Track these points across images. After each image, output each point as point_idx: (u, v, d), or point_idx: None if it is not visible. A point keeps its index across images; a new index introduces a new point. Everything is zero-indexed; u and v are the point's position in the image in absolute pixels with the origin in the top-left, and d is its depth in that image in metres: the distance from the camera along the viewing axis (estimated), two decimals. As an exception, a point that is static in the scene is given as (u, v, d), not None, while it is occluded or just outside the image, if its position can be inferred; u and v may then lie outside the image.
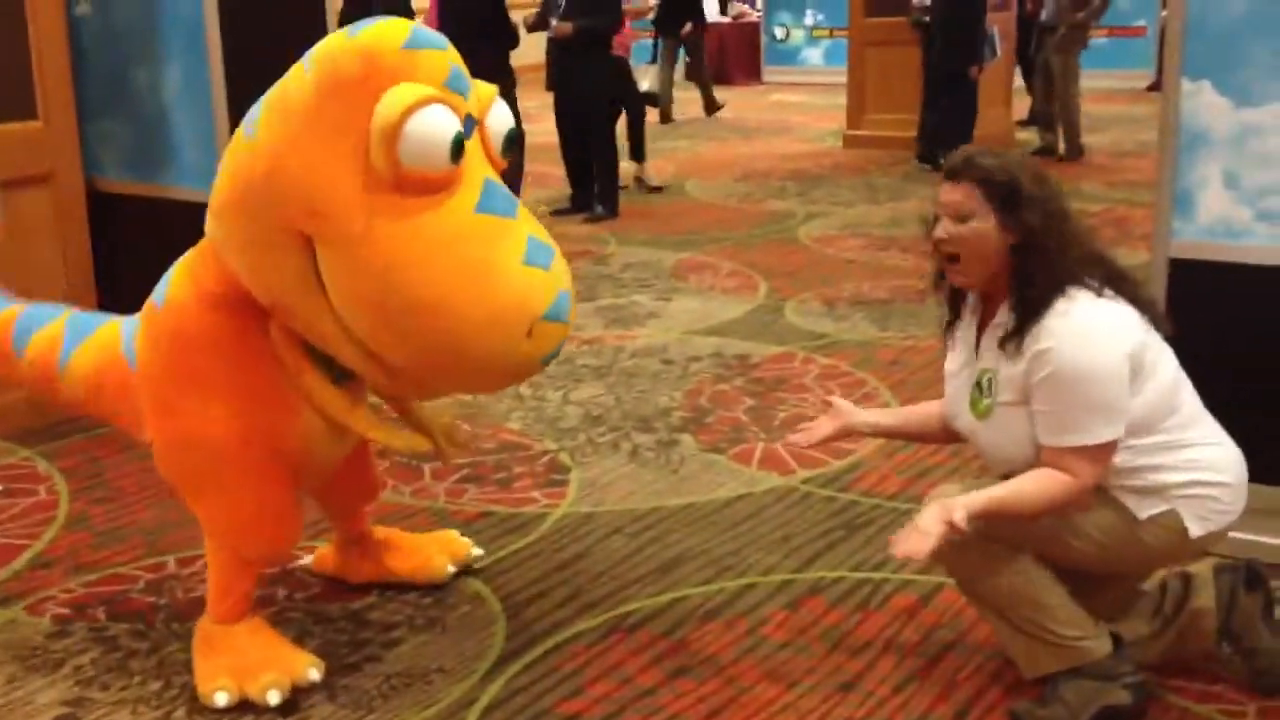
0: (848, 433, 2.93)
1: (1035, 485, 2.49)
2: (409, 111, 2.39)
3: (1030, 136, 10.59)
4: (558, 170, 8.68)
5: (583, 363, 5.18)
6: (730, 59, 16.95)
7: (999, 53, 9.76)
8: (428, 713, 2.76)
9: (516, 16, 7.87)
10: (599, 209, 8.19)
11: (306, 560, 3.41)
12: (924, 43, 9.93)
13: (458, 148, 2.44)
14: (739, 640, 3.03)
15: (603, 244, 7.51)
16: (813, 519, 3.69)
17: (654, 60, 12.99)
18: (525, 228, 2.53)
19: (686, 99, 13.78)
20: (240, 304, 2.70)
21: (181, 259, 2.86)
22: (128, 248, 4.67)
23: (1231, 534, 2.69)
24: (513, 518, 3.73)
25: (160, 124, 4.54)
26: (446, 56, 2.53)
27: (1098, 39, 11.67)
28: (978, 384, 2.64)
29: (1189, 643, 2.77)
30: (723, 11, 17.56)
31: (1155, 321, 2.57)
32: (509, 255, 2.46)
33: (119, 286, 4.63)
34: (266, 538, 2.85)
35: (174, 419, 2.80)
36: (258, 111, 2.61)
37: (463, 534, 3.53)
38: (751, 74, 17.28)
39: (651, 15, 12.62)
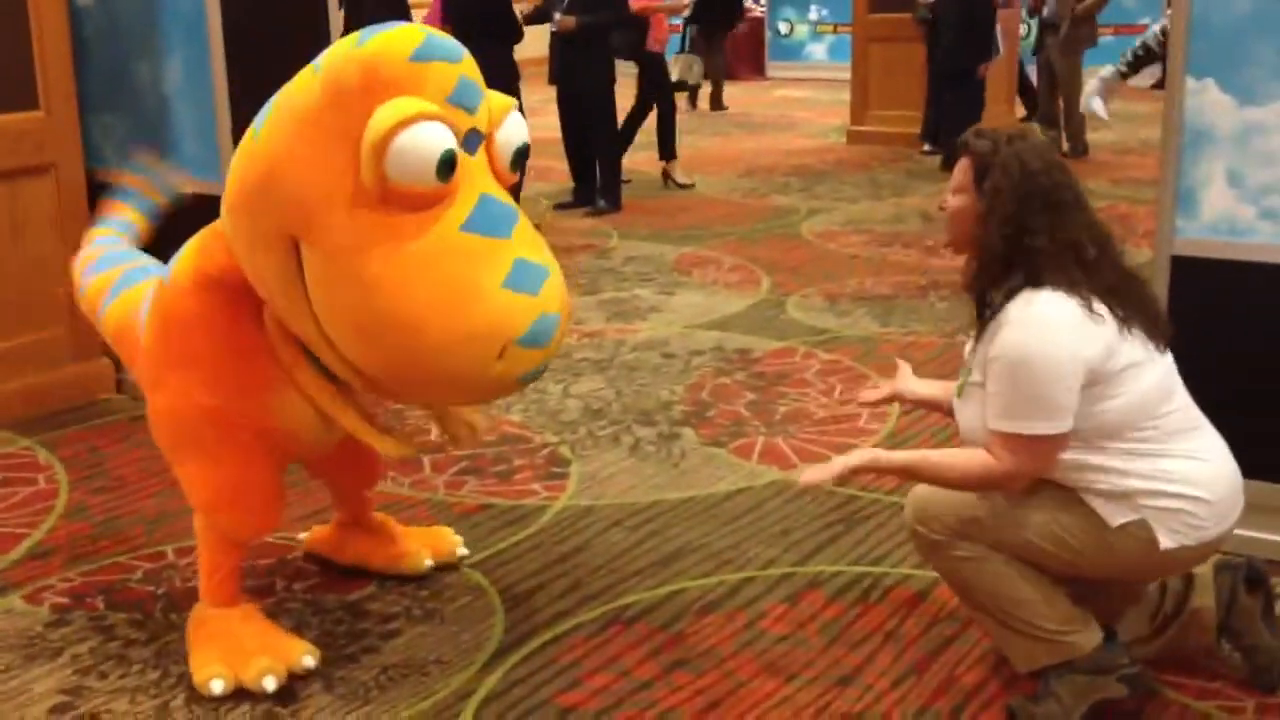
0: (895, 398, 2.99)
1: (955, 458, 2.56)
2: (397, 127, 2.37)
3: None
4: (560, 164, 8.67)
5: (583, 356, 5.18)
6: (734, 54, 16.92)
7: (1001, 50, 9.75)
8: (425, 704, 2.76)
9: (515, 9, 7.86)
10: (601, 203, 8.19)
11: (301, 537, 3.43)
12: (928, 39, 9.92)
13: (446, 165, 2.41)
14: (738, 633, 3.03)
15: (605, 238, 7.51)
16: (812, 513, 3.69)
17: (682, 49, 12.98)
18: (515, 249, 2.50)
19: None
20: (237, 289, 2.71)
21: (194, 237, 2.88)
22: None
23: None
24: (512, 510, 3.73)
25: (161, 116, 4.53)
26: (457, 69, 2.49)
27: (1103, 36, 11.65)
28: (964, 361, 2.68)
29: (1189, 640, 2.77)
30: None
31: (1155, 327, 2.56)
32: (489, 276, 2.44)
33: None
34: (246, 514, 2.87)
35: (163, 391, 2.85)
36: (268, 110, 2.61)
37: (462, 526, 3.53)
38: (755, 69, 17.26)
39: (687, 11, 12.59)
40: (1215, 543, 2.56)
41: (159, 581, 3.31)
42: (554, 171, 9.15)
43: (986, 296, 2.56)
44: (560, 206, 8.31)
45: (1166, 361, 2.58)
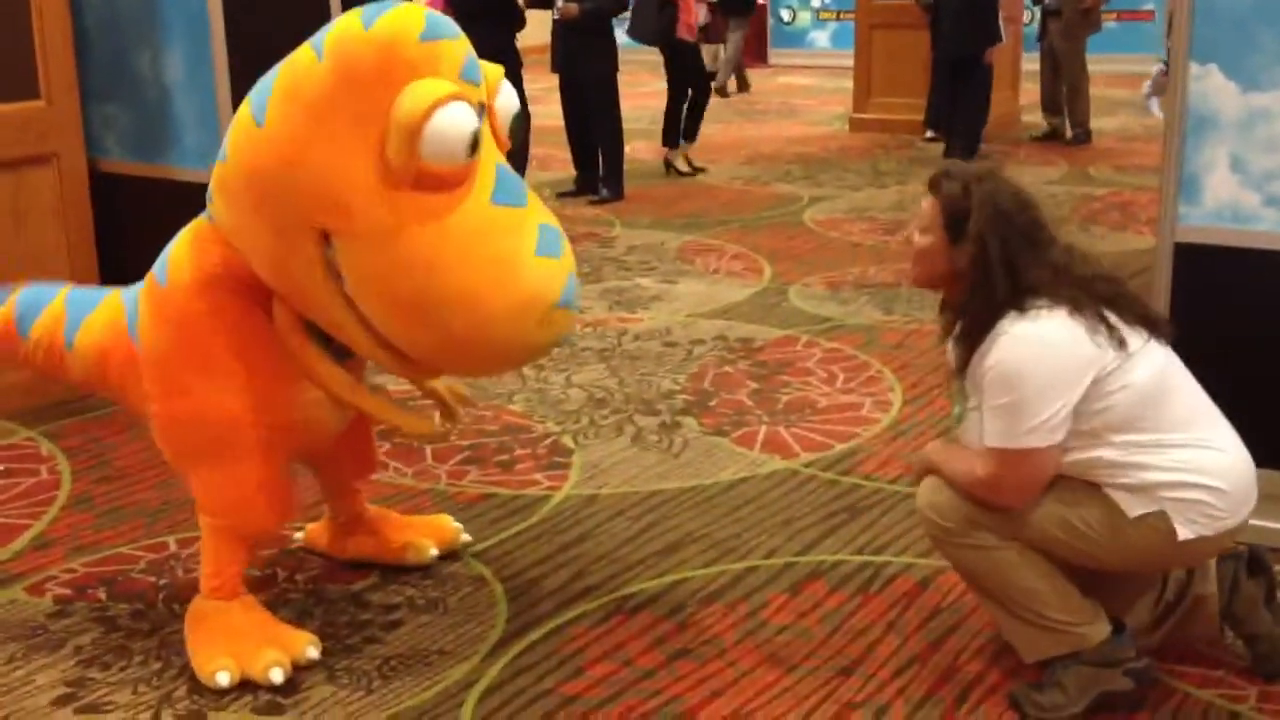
0: None
1: (959, 462, 2.61)
2: (432, 109, 2.40)
3: (1038, 120, 10.55)
4: (563, 153, 8.66)
5: (586, 345, 5.17)
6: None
7: (1005, 36, 9.72)
8: (428, 694, 2.77)
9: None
10: (604, 191, 8.17)
11: (299, 535, 3.42)
12: (932, 25, 9.89)
13: (475, 143, 2.47)
14: (740, 623, 3.03)
15: (607, 226, 7.50)
16: (815, 502, 3.68)
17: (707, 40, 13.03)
18: (536, 215, 2.58)
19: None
20: (241, 283, 2.71)
21: (180, 234, 2.86)
22: (130, 228, 4.66)
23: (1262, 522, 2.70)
24: (515, 500, 3.73)
25: (163, 105, 4.53)
26: (462, 46, 2.54)
27: (1107, 22, 11.62)
28: (954, 393, 2.71)
29: (1192, 628, 2.77)
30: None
31: (1155, 326, 2.57)
32: (525, 245, 2.51)
33: (121, 267, 4.63)
34: (264, 514, 2.87)
35: (178, 397, 2.81)
36: (266, 96, 2.59)
37: (464, 516, 3.53)
38: (758, 56, 17.21)
39: None
40: (1232, 533, 2.56)
41: (161, 572, 3.32)
42: (556, 160, 9.13)
43: (977, 332, 2.56)
44: (563, 195, 8.30)
45: (1167, 354, 2.57)
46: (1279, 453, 3.08)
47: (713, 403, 4.49)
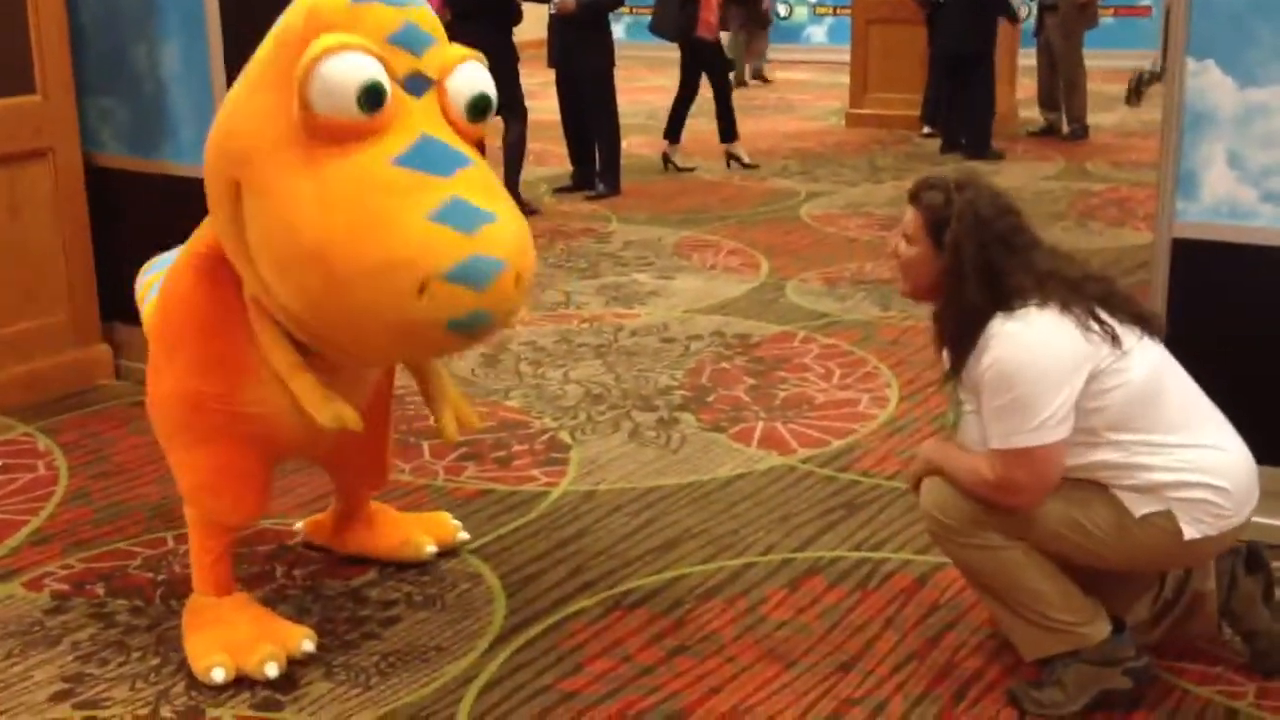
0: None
1: (962, 464, 2.59)
2: (321, 56, 2.40)
3: (1034, 115, 10.55)
4: (559, 148, 8.65)
5: (582, 341, 5.17)
6: (733, 37, 16.87)
7: (1020, 16, 9.76)
8: (426, 690, 2.76)
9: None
10: (600, 186, 8.16)
11: (299, 526, 3.43)
12: (929, 20, 9.88)
13: (370, 96, 2.41)
14: (738, 619, 3.03)
15: (604, 221, 7.49)
16: (812, 498, 3.68)
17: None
18: (455, 188, 2.42)
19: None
20: (219, 267, 2.72)
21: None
22: (126, 223, 4.65)
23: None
24: (512, 496, 3.73)
25: (159, 100, 4.51)
26: (402, 14, 2.52)
27: (1104, 18, 11.63)
28: (948, 397, 2.71)
29: (1190, 625, 2.77)
30: (727, -12, 17.45)
31: (1148, 324, 2.57)
32: (413, 209, 2.38)
33: (117, 262, 4.62)
34: (227, 500, 2.86)
35: (158, 375, 2.87)
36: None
37: (462, 512, 3.53)
38: (755, 51, 17.18)
39: None
40: (1236, 532, 2.57)
41: (159, 568, 3.31)
42: (552, 155, 9.12)
43: (965, 336, 2.56)
44: (559, 190, 8.29)
45: (1161, 351, 2.58)
46: (1273, 448, 3.08)
47: (710, 398, 4.49)
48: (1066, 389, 2.44)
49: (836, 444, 4.07)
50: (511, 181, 7.40)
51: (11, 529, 3.54)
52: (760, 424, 4.25)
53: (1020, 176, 8.45)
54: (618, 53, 8.24)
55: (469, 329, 2.46)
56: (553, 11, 7.98)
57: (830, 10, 16.97)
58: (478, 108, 2.59)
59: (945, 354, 2.67)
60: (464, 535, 3.39)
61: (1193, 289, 3.29)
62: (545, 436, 4.17)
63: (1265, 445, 2.79)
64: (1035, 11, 10.40)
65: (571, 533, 3.49)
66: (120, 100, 4.63)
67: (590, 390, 4.59)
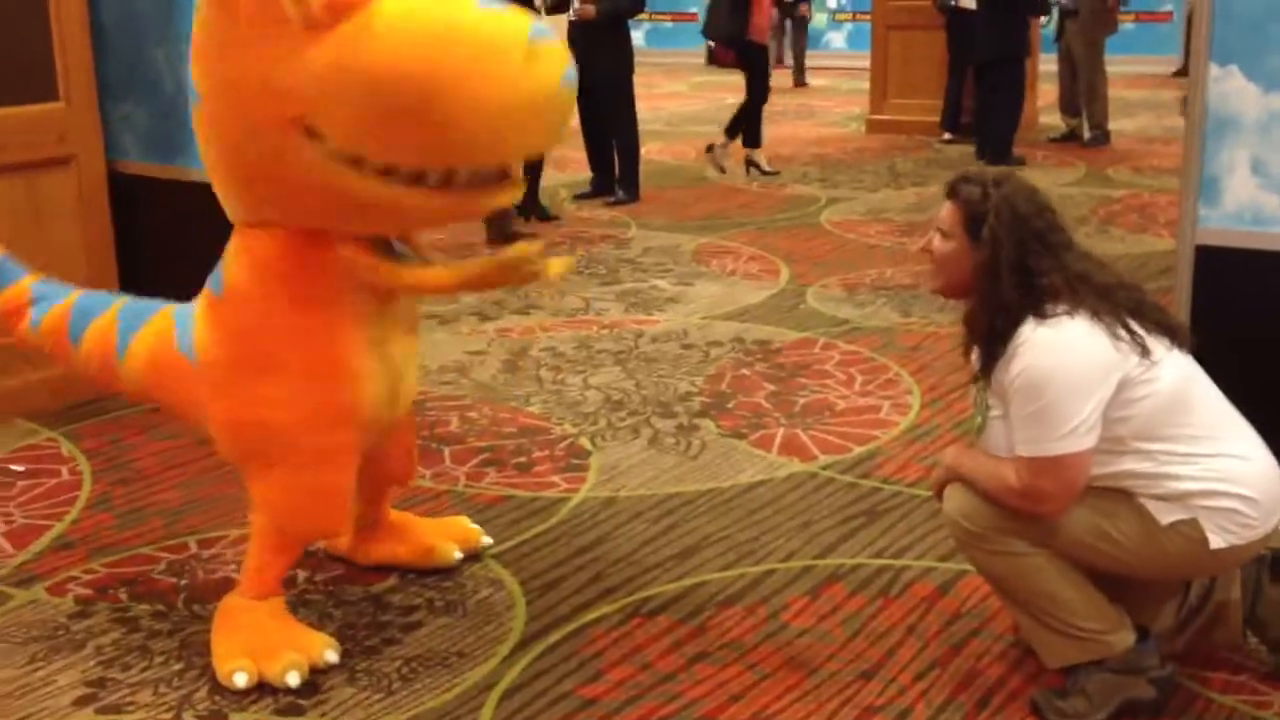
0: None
1: (988, 470, 2.58)
2: None
3: (1055, 121, 10.52)
4: (579, 154, 8.66)
5: (602, 347, 5.17)
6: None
7: (1051, 12, 9.77)
8: (447, 696, 2.77)
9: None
10: (620, 193, 8.17)
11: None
12: (950, 26, 9.88)
13: None
14: (759, 626, 3.03)
15: (623, 228, 7.50)
16: (833, 505, 3.68)
17: None
18: None
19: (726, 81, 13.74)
20: (296, 267, 2.72)
21: (228, 248, 2.86)
22: (148, 230, 4.67)
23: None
24: (532, 502, 3.73)
25: (180, 106, 4.53)
26: None
27: (1124, 23, 11.59)
28: (974, 401, 2.68)
29: (1214, 633, 2.75)
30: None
31: (1175, 335, 2.56)
32: (463, 7, 2.42)
33: (139, 268, 4.65)
34: (320, 517, 2.88)
35: (242, 404, 2.80)
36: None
37: (483, 518, 3.53)
38: (776, 58, 17.20)
39: None
40: (1262, 541, 2.56)
41: (182, 573, 3.32)
42: (572, 161, 9.13)
43: (994, 341, 2.55)
44: (579, 197, 8.30)
45: (1189, 362, 2.57)
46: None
47: (730, 405, 4.49)
48: (1096, 397, 2.43)
49: (857, 450, 4.06)
50: (531, 188, 7.41)
51: (35, 534, 3.56)
52: (781, 430, 4.25)
53: (1041, 182, 8.25)
54: (637, 59, 8.26)
55: (571, 84, 2.47)
56: (573, 18, 7.99)
57: (850, 16, 16.97)
58: None
59: (974, 356, 2.66)
60: (487, 540, 3.39)
61: (1215, 295, 3.27)
62: (565, 443, 4.18)
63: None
64: (1056, 17, 10.38)
65: (592, 539, 3.49)
66: (141, 106, 4.65)
67: (610, 396, 4.59)
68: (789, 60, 15.39)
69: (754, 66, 8.95)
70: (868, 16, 12.00)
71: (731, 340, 5.23)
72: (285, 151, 2.57)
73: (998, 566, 2.61)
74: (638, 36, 8.46)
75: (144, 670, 2.88)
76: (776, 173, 9.07)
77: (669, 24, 18.11)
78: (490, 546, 3.40)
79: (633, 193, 8.19)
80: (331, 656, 2.84)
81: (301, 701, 2.74)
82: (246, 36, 2.53)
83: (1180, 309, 3.29)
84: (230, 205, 2.81)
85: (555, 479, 3.89)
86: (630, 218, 7.76)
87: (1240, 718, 2.64)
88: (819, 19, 17.39)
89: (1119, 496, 2.52)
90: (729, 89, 13.86)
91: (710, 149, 9.21)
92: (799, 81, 14.95)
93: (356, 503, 3.28)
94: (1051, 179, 8.62)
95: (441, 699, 2.76)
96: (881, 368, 4.86)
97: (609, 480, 3.88)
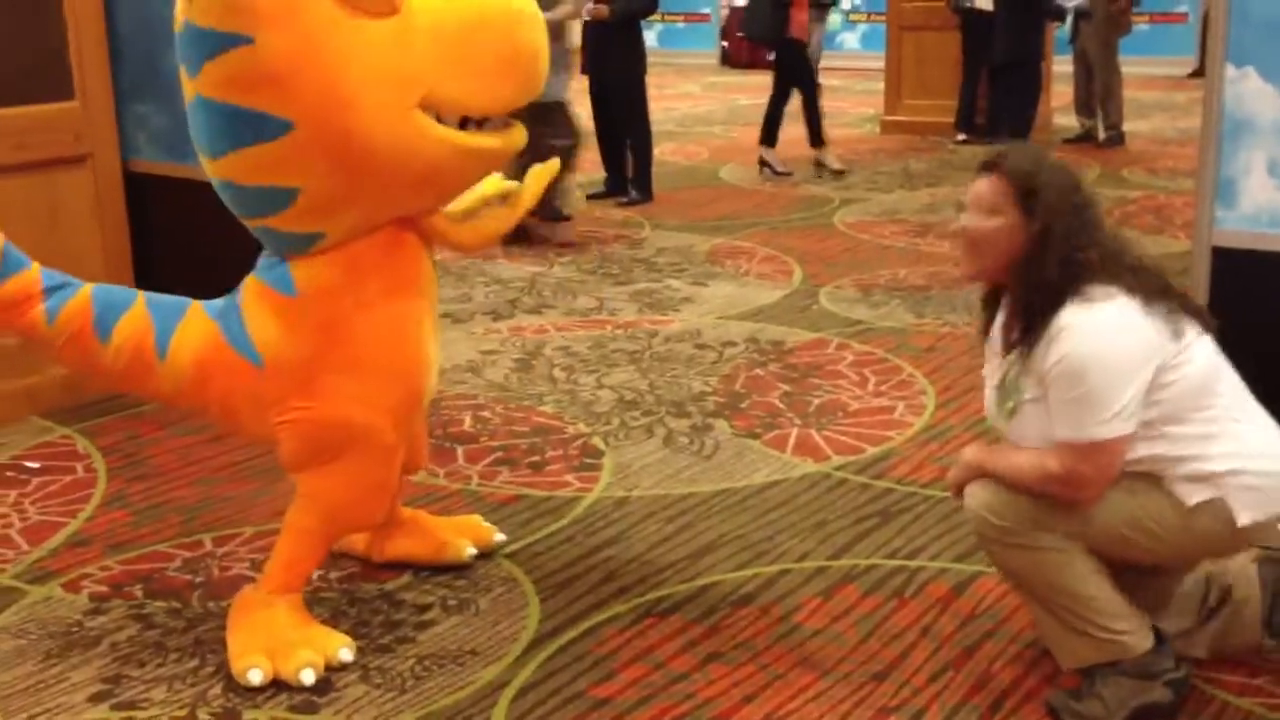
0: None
1: (1020, 460, 2.55)
2: None
3: (1070, 122, 10.50)
4: (592, 154, 8.65)
5: (617, 347, 5.18)
6: (766, 43, 16.88)
7: (1067, 18, 9.76)
8: (460, 694, 2.77)
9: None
10: (634, 193, 8.17)
11: None
12: (964, 27, 9.86)
13: None
14: (772, 627, 3.03)
15: (637, 228, 7.50)
16: (847, 506, 3.67)
17: None
18: None
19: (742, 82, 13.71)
20: (387, 257, 2.79)
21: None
22: (163, 229, 4.69)
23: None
24: (546, 501, 3.73)
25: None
26: None
27: (1139, 25, 11.56)
28: (1002, 384, 2.64)
29: (1232, 636, 2.75)
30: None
31: (1199, 319, 2.56)
32: None
33: (153, 266, 4.66)
34: (373, 510, 2.95)
35: (326, 402, 2.78)
36: None
37: (496, 517, 3.54)
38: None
39: None
40: None
41: (197, 570, 3.33)
42: (586, 161, 9.11)
43: (1034, 317, 2.52)
44: (592, 196, 8.30)
45: (1214, 345, 2.58)
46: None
47: (744, 405, 4.49)
48: (1137, 382, 2.43)
49: (871, 451, 4.06)
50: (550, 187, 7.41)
51: (50, 531, 3.57)
52: (794, 431, 4.24)
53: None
54: (650, 60, 8.24)
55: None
56: (586, 18, 7.99)
57: (864, 17, 16.95)
58: None
59: (1004, 336, 2.62)
60: (500, 537, 3.40)
61: (1232, 298, 3.25)
62: (579, 442, 4.18)
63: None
64: (1071, 19, 10.36)
65: (605, 539, 3.49)
66: (156, 106, 4.67)
67: (624, 396, 4.59)
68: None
69: (793, 64, 8.93)
70: (882, 17, 11.99)
71: (745, 340, 5.23)
72: (409, 141, 2.61)
73: (1022, 562, 2.58)
74: (650, 37, 8.45)
75: (159, 667, 2.89)
76: (789, 173, 9.06)
77: (681, 24, 18.10)
78: (504, 545, 3.40)
79: (646, 193, 8.19)
80: (346, 655, 2.85)
81: (315, 699, 2.74)
82: (341, 43, 2.52)
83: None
84: (305, 236, 2.75)
85: (569, 478, 3.90)
86: (644, 218, 7.76)
87: (1256, 721, 2.64)
88: (833, 20, 17.37)
89: (1147, 481, 2.52)
90: (741, 89, 13.92)
91: (764, 165, 9.14)
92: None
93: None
94: (1066, 180, 8.58)
95: (454, 697, 2.76)
96: (895, 368, 4.85)
97: (622, 480, 3.88)
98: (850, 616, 3.07)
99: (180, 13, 2.61)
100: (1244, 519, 2.48)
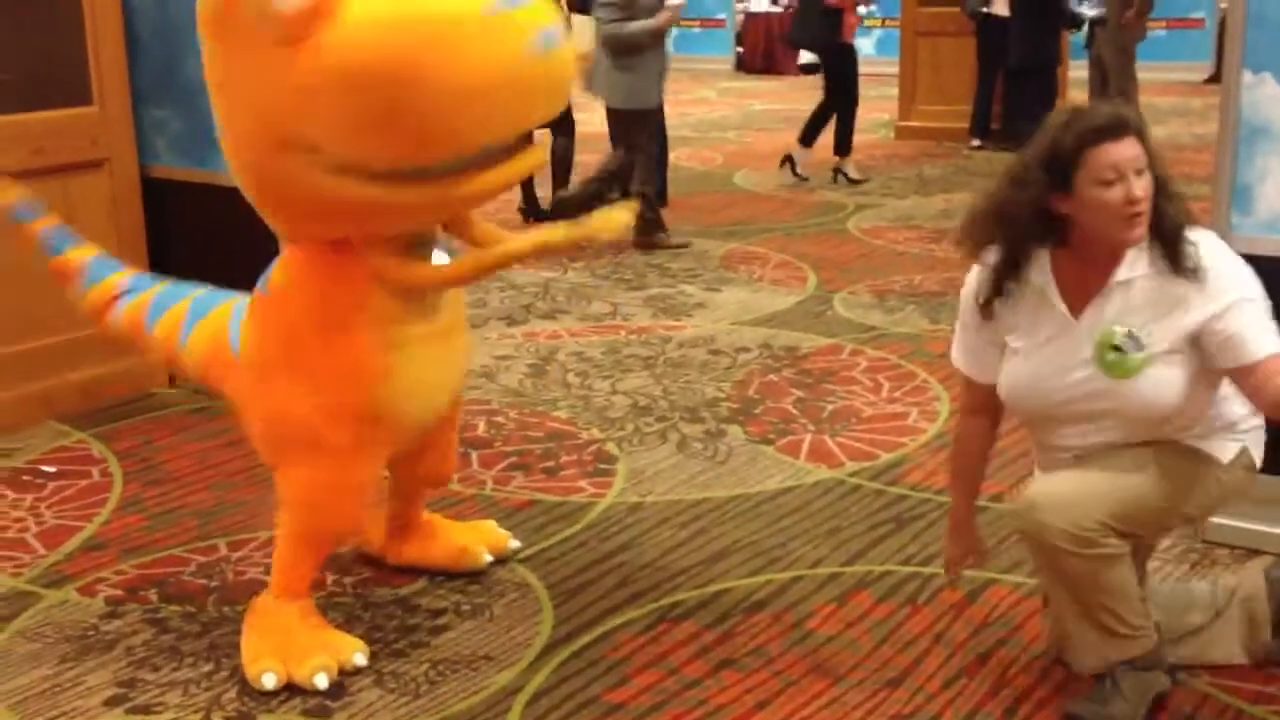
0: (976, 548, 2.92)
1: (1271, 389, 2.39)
2: None
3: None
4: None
5: (630, 353, 5.18)
6: (780, 48, 16.87)
7: (1083, 26, 9.76)
8: (474, 700, 2.77)
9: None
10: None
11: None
12: (980, 33, 9.85)
13: None
14: (786, 633, 3.02)
15: (651, 234, 7.49)
16: (861, 512, 3.67)
17: None
18: None
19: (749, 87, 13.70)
20: (326, 272, 2.76)
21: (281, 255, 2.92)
22: (180, 233, 4.71)
23: (1259, 526, 2.90)
24: (560, 506, 3.74)
25: (210, 110, 4.55)
26: None
27: (1155, 30, 11.54)
28: (1112, 345, 2.48)
29: (1243, 642, 2.75)
30: (774, 1, 17.49)
31: None
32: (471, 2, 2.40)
33: (171, 270, 4.66)
34: (337, 515, 2.91)
35: (273, 397, 2.84)
36: None
37: (510, 522, 3.54)
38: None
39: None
40: None
41: (212, 575, 3.34)
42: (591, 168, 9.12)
43: (1175, 259, 2.48)
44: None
45: None
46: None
47: (758, 411, 4.48)
48: None
49: (885, 457, 4.05)
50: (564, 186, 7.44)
51: (66, 535, 3.59)
52: (808, 436, 4.24)
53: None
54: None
55: (550, 43, 2.45)
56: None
57: (879, 23, 16.94)
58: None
59: (1074, 295, 2.54)
60: (515, 543, 3.40)
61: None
62: (593, 447, 4.18)
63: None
64: (1087, 24, 10.35)
65: (618, 544, 3.49)
66: (174, 111, 4.69)
67: (638, 402, 4.59)
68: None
69: (844, 70, 8.88)
70: (896, 23, 11.98)
71: (759, 346, 5.23)
72: (289, 172, 2.59)
73: (1085, 569, 2.49)
74: (665, 42, 8.42)
75: (174, 671, 2.90)
76: (866, 179, 9.00)
77: (697, 30, 18.10)
78: (518, 550, 3.41)
79: (661, 198, 8.18)
80: (360, 659, 2.86)
81: (329, 703, 2.75)
82: (236, 66, 2.59)
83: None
84: (273, 227, 2.86)
85: (582, 484, 3.90)
86: (658, 223, 7.75)
87: (1271, 729, 2.63)
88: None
89: (1182, 459, 2.53)
90: (757, 95, 13.91)
91: (788, 161, 9.11)
92: None
93: (392, 502, 3.32)
94: (1081, 186, 8.56)
95: (468, 702, 2.76)
96: (909, 374, 4.85)
97: (636, 485, 3.88)
98: (864, 623, 3.06)
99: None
100: (1258, 458, 2.57)
